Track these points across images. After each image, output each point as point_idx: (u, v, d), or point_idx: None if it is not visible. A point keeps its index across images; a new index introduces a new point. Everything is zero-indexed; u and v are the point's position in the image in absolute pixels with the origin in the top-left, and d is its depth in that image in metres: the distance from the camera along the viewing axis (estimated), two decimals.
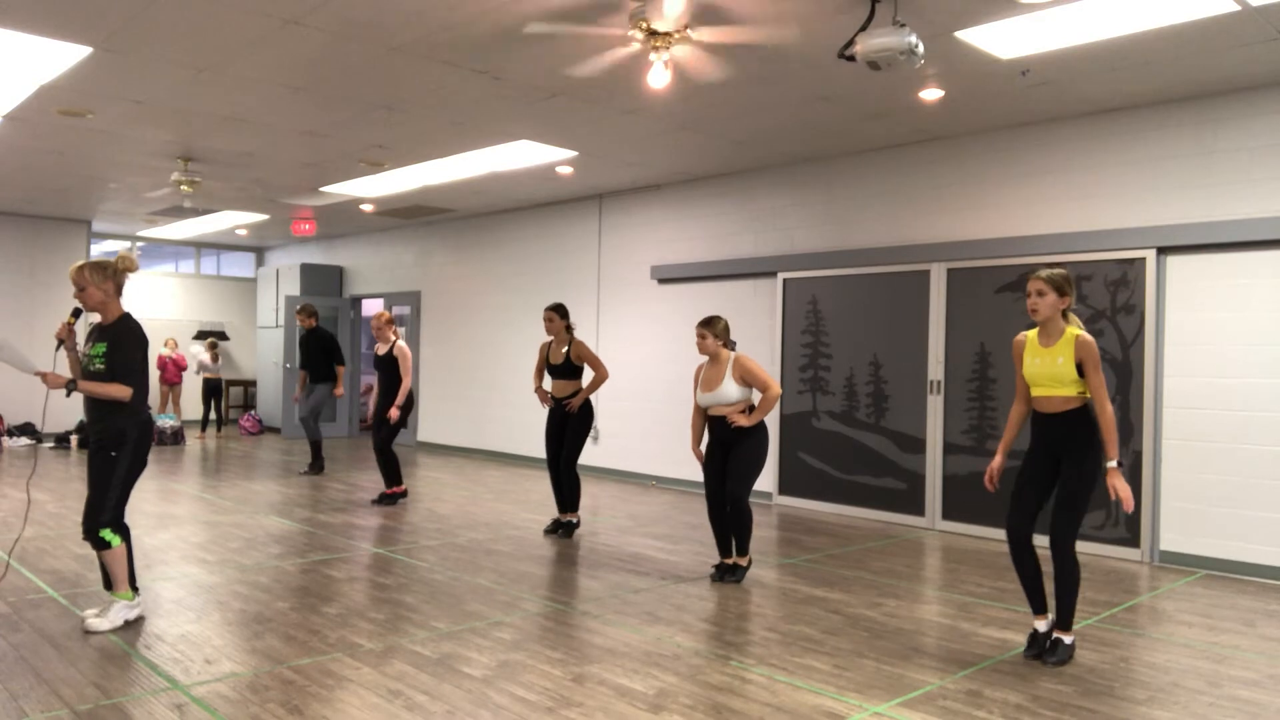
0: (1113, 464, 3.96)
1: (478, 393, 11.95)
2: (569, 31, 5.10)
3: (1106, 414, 3.97)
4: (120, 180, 9.92)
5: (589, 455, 10.21)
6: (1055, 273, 4.09)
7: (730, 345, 5.47)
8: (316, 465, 9.78)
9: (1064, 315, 4.11)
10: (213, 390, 13.71)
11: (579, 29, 5.09)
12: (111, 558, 4.31)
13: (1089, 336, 4.04)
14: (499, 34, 5.26)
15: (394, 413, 7.79)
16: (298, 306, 9.85)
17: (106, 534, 4.25)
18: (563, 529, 6.81)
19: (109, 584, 4.40)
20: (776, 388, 5.34)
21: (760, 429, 5.37)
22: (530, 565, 5.82)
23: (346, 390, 14.20)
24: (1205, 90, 6.04)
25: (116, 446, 4.25)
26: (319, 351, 9.63)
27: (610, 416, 10.03)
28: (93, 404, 4.27)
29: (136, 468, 4.33)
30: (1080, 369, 3.99)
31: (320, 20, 5.12)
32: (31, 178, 9.93)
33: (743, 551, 5.50)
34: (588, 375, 6.85)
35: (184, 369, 13.80)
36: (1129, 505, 3.92)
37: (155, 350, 14.00)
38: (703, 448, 5.56)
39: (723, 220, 9.07)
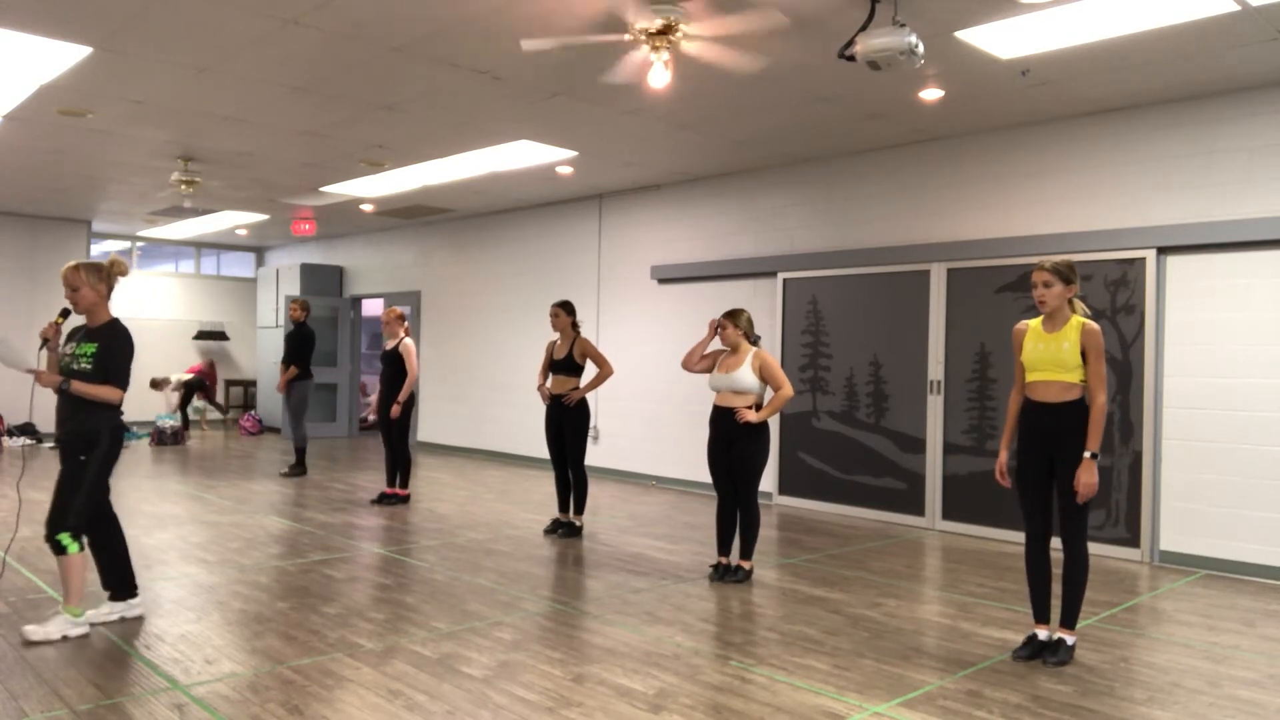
0: (1088, 455, 3.93)
1: (478, 393, 11.95)
2: (566, 44, 5.09)
3: (1099, 403, 3.95)
4: (120, 180, 9.92)
5: (589, 455, 10.19)
6: (1060, 261, 4.05)
7: (754, 340, 5.51)
8: (299, 468, 9.68)
9: (1070, 304, 4.08)
10: (193, 389, 13.68)
11: (578, 39, 5.08)
12: (67, 566, 4.14)
13: (1095, 324, 4.00)
14: (499, 34, 5.26)
15: (395, 410, 7.80)
16: (294, 298, 9.82)
17: (65, 538, 4.11)
18: (563, 529, 6.81)
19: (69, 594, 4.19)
20: (789, 389, 5.38)
21: (763, 428, 5.38)
22: (530, 565, 5.82)
23: (346, 390, 14.24)
24: (1205, 90, 6.04)
25: (87, 450, 4.15)
26: (299, 346, 9.57)
27: (610, 416, 10.03)
28: (67, 403, 4.17)
29: (106, 472, 4.23)
30: (1084, 356, 3.97)
31: (320, 20, 5.12)
32: (31, 178, 9.93)
33: (746, 555, 5.50)
34: (588, 374, 6.84)
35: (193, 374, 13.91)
36: (1083, 498, 3.94)
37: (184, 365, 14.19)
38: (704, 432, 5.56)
39: (723, 220, 9.07)
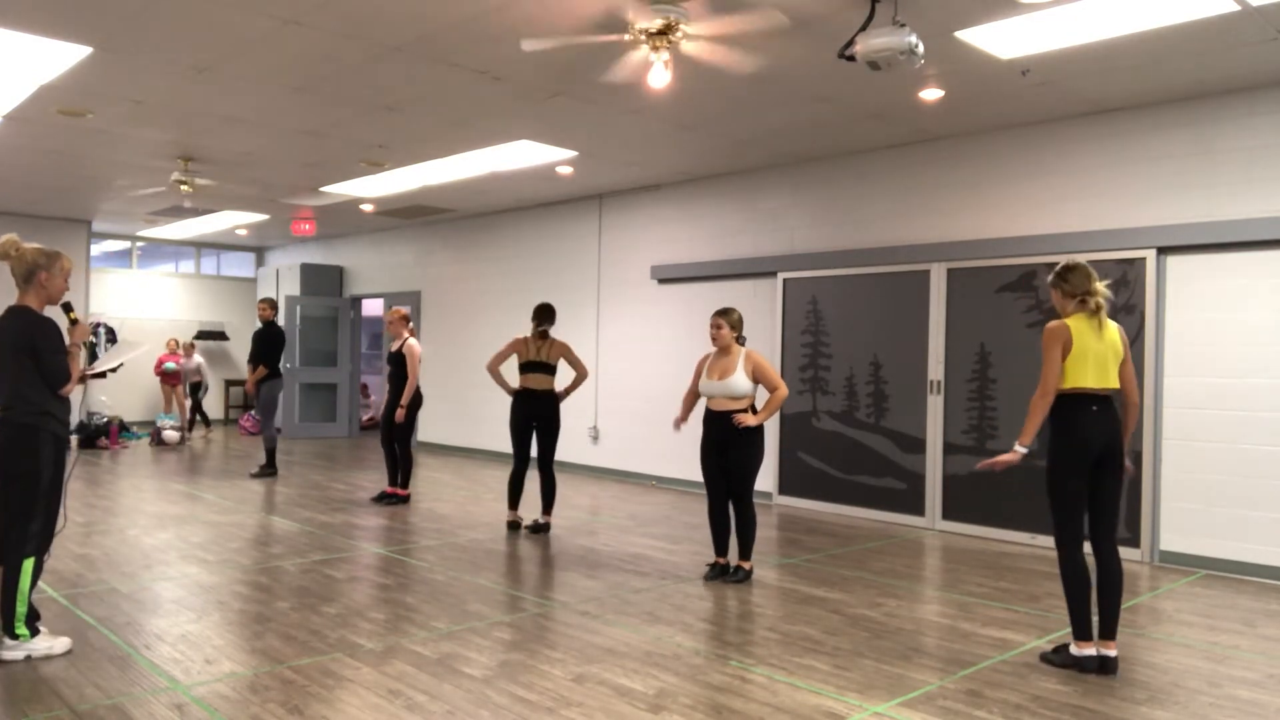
0: (1017, 446, 3.92)
1: (478, 393, 11.94)
2: (567, 44, 5.09)
3: (1036, 395, 3.93)
4: (120, 180, 9.92)
5: (589, 455, 10.22)
6: (1055, 270, 4.11)
7: (741, 340, 5.45)
8: (269, 468, 9.51)
9: (1074, 303, 4.00)
10: (191, 389, 13.61)
11: (578, 39, 5.08)
12: None
13: (1051, 324, 3.98)
14: (499, 34, 5.26)
15: (400, 414, 7.80)
16: (263, 298, 9.86)
17: None
18: (530, 528, 6.79)
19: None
20: (785, 389, 5.34)
21: (758, 429, 5.36)
22: (530, 565, 5.82)
23: (346, 390, 14.23)
24: (1205, 90, 6.04)
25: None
26: (268, 345, 9.50)
27: (610, 416, 10.03)
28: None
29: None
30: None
31: (320, 20, 5.12)
32: (31, 178, 9.93)
33: (745, 555, 5.49)
34: (564, 376, 6.87)
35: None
36: (987, 465, 4.01)
37: (157, 351, 14.00)
38: (693, 437, 5.56)
39: (723, 220, 9.07)
